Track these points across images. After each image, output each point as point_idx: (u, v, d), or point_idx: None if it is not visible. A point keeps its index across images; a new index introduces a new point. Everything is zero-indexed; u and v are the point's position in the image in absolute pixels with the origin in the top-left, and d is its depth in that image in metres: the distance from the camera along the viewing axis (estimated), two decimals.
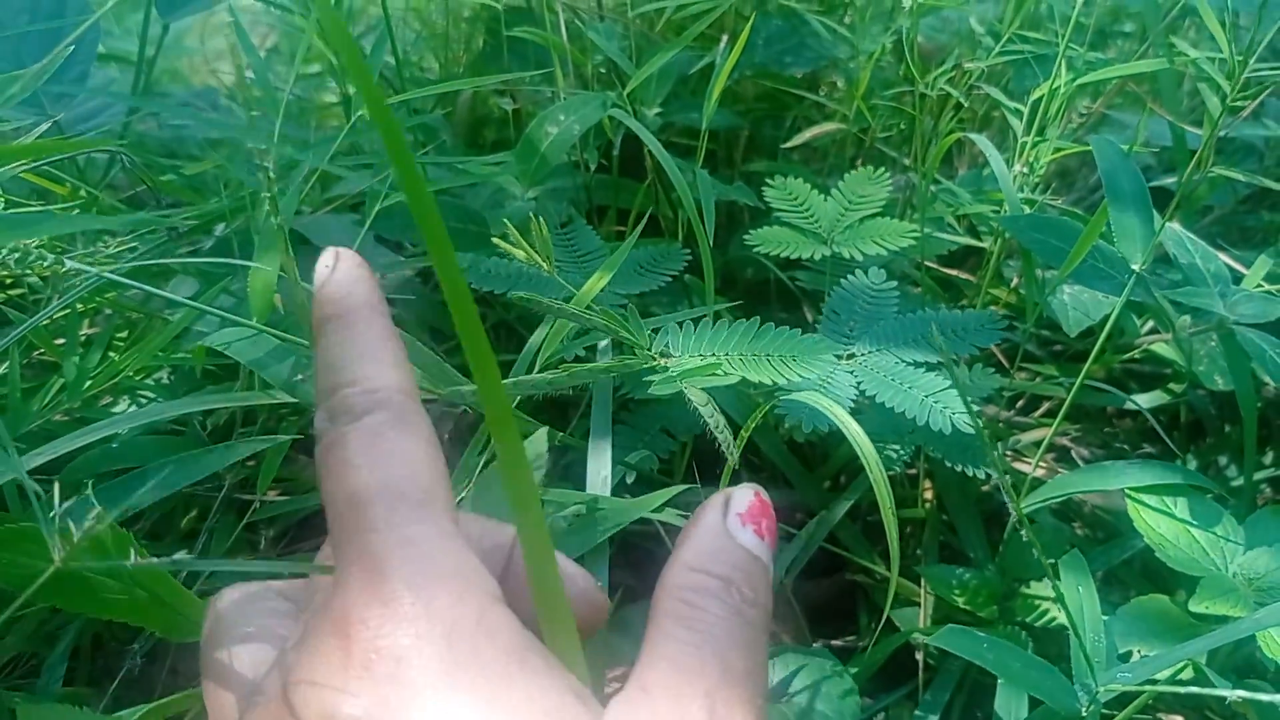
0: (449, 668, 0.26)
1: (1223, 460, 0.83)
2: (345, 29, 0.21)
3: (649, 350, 0.57)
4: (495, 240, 0.55)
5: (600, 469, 0.61)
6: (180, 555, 0.32)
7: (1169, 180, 0.84)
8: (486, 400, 0.27)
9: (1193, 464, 0.82)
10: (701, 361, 0.57)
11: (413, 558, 0.28)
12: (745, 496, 0.34)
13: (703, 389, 0.55)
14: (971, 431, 0.59)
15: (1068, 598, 0.56)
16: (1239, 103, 0.62)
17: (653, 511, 0.59)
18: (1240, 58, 0.59)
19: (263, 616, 0.34)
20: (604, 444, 0.62)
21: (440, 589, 0.28)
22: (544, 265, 0.56)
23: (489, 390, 0.27)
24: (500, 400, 0.27)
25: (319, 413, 0.32)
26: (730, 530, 0.33)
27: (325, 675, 0.27)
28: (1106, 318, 0.62)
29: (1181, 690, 0.46)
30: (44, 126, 0.50)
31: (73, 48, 0.50)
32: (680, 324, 0.61)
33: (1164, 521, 0.61)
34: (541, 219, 0.56)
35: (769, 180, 0.73)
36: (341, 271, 0.34)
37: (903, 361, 0.63)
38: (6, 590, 0.60)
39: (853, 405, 0.60)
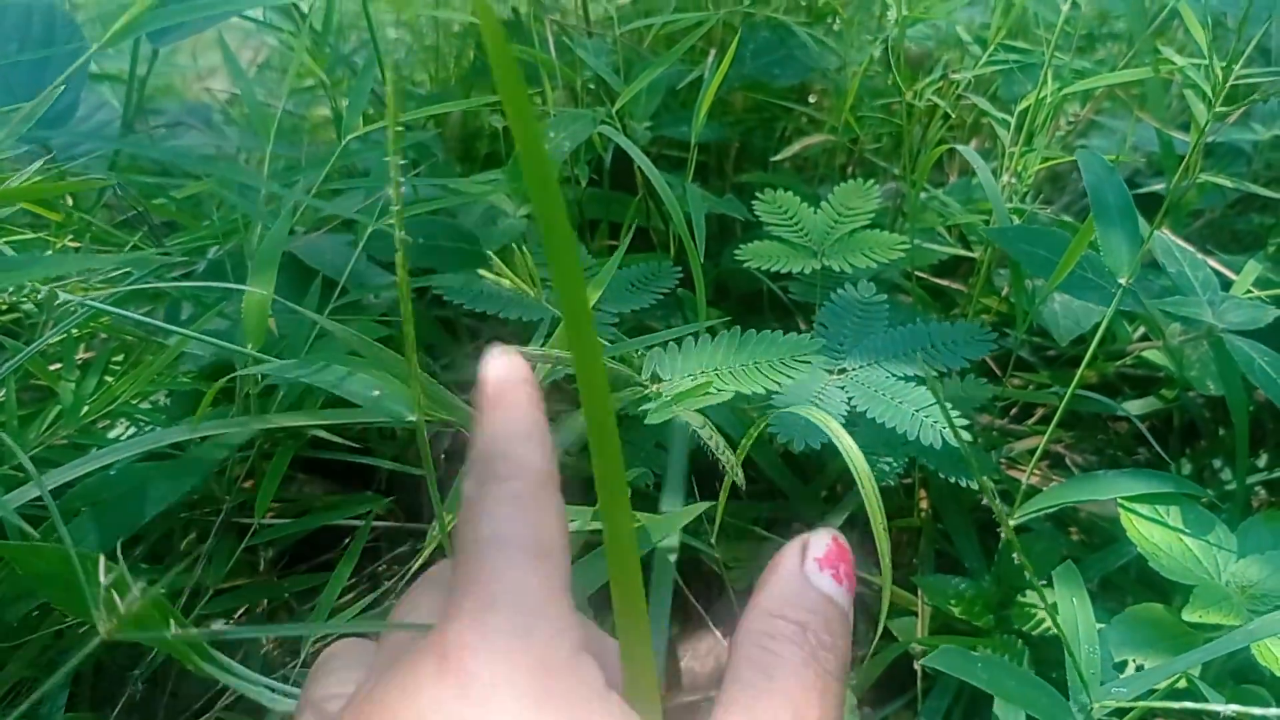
0: (538, 699, 0.28)
1: (1217, 463, 0.83)
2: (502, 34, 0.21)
3: (642, 379, 0.57)
4: (481, 273, 0.55)
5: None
6: (220, 625, 0.34)
7: (1159, 185, 0.85)
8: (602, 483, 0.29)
9: (1187, 468, 0.83)
10: (693, 382, 0.57)
11: (521, 600, 0.31)
12: (822, 541, 0.35)
13: (698, 410, 0.56)
14: (964, 440, 0.60)
15: (1062, 611, 0.56)
16: (1225, 109, 0.63)
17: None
18: (1224, 64, 0.59)
19: (364, 665, 0.36)
20: (678, 493, 0.63)
21: (540, 629, 0.30)
22: (530, 292, 0.57)
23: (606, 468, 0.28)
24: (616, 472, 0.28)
25: (470, 475, 0.36)
26: (808, 575, 0.35)
27: (415, 687, 0.29)
28: (1097, 326, 0.62)
29: (1175, 706, 0.46)
30: (38, 164, 0.50)
31: (61, 82, 0.50)
32: (666, 344, 0.61)
33: (1156, 530, 0.61)
34: (525, 248, 0.57)
35: (759, 194, 0.73)
36: (513, 366, 0.39)
37: (893, 376, 0.63)
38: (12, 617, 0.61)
39: (844, 420, 0.61)
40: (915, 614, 0.71)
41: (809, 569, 0.35)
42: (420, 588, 0.39)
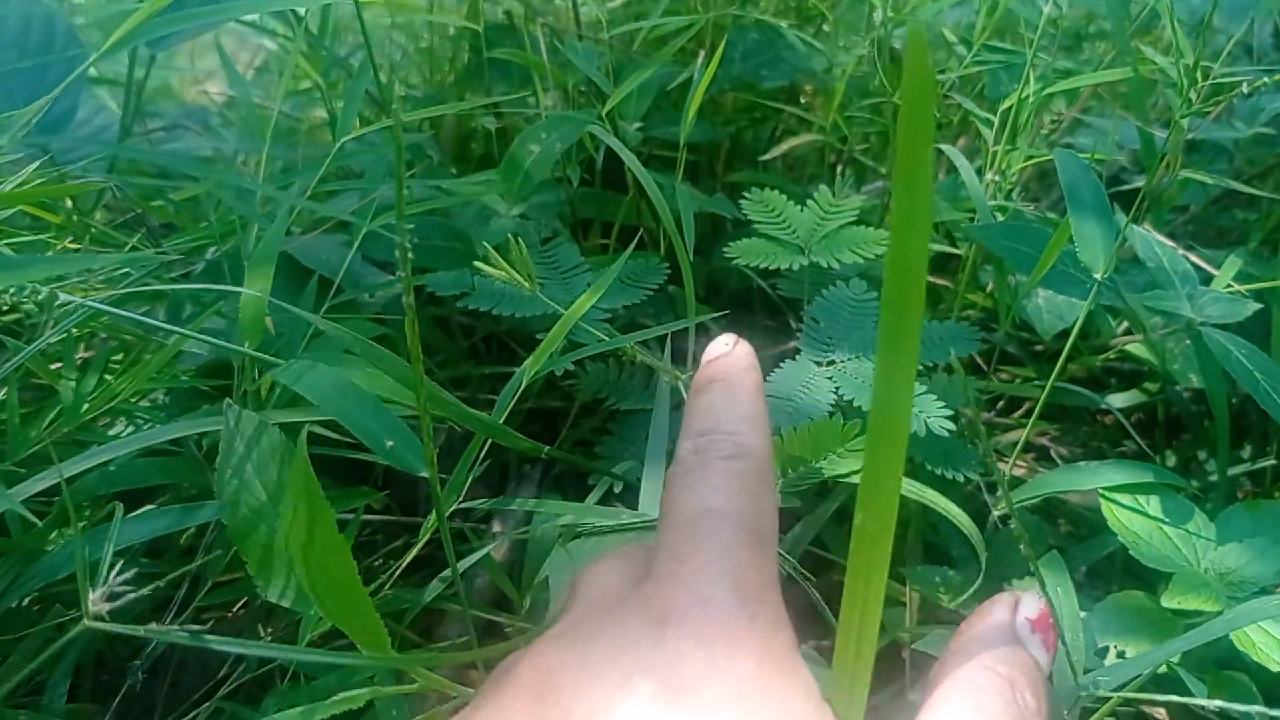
0: (756, 697, 0.28)
1: (1202, 455, 0.85)
2: None
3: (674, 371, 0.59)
4: (477, 265, 0.56)
5: (655, 490, 0.63)
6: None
7: (1142, 182, 0.86)
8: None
9: (1172, 460, 0.84)
10: None
11: (743, 580, 0.31)
12: (1034, 605, 0.36)
13: None
14: (948, 435, 0.61)
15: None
16: (1204, 107, 0.64)
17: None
18: (1194, 61, 0.60)
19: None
20: (658, 469, 0.63)
21: (763, 616, 0.30)
22: (525, 285, 0.58)
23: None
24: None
25: (685, 444, 0.37)
26: (1019, 632, 0.35)
27: (634, 650, 0.29)
28: (1077, 321, 0.63)
29: (1160, 699, 0.47)
30: (34, 165, 0.51)
31: (60, 91, 0.51)
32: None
33: (1137, 519, 0.62)
34: (520, 239, 0.58)
35: (746, 193, 0.75)
36: (739, 351, 0.42)
37: None
38: (13, 609, 0.62)
39: (830, 410, 0.62)
40: (904, 604, 0.72)
41: (1020, 627, 0.35)
42: (612, 558, 0.38)
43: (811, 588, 0.59)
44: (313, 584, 0.42)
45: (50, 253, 0.69)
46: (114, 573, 0.43)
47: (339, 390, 0.52)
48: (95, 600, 0.40)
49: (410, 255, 0.38)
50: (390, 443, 0.49)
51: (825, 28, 0.92)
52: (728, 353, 0.41)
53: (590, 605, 0.35)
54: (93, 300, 0.50)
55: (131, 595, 0.43)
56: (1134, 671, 0.52)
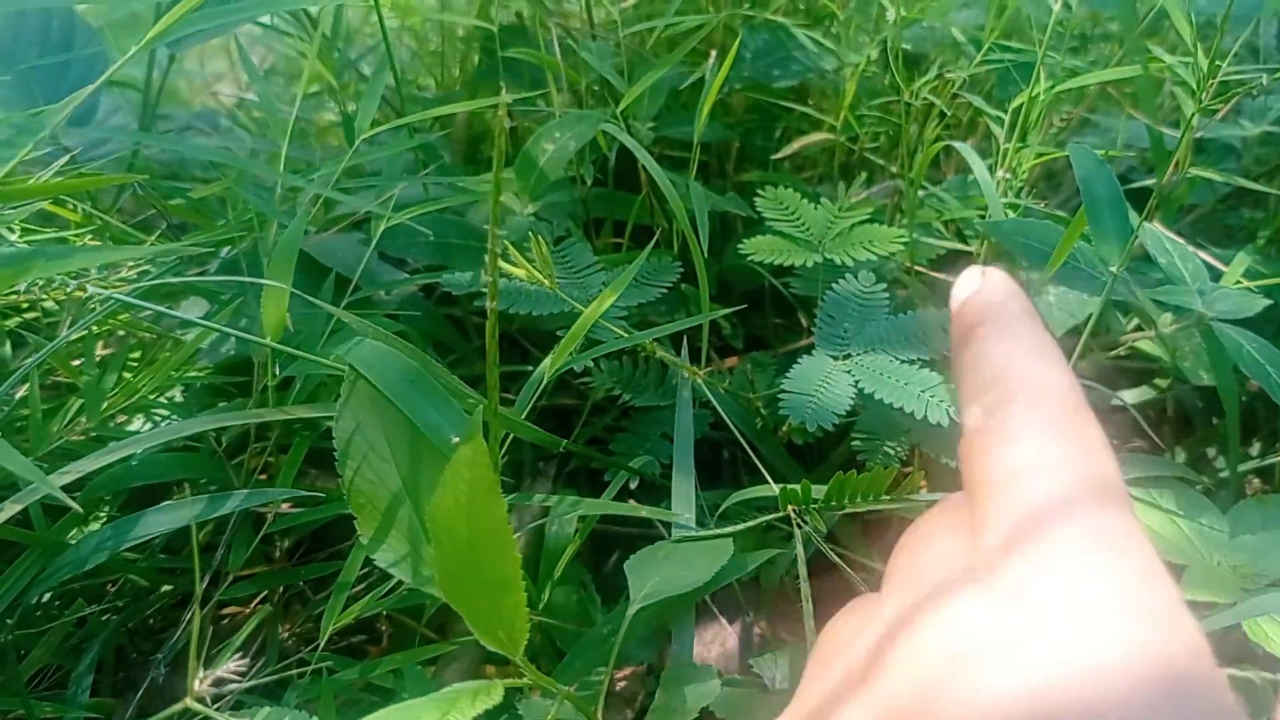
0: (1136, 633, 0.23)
1: (1210, 452, 0.85)
2: None
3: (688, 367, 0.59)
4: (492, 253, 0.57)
5: (686, 489, 0.63)
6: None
7: (1150, 181, 0.87)
8: None
9: (1181, 457, 0.84)
10: None
11: (1096, 524, 0.26)
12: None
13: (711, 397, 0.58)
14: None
15: None
16: (1213, 106, 0.64)
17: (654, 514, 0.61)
18: (1211, 62, 0.61)
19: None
20: (687, 466, 0.64)
21: (1123, 555, 0.25)
22: (545, 282, 0.58)
23: None
24: None
25: (971, 409, 0.32)
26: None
27: (979, 622, 0.25)
28: (1090, 315, 0.64)
29: None
30: (60, 162, 0.52)
31: (78, 84, 0.52)
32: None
33: (1151, 513, 0.63)
34: (541, 236, 0.58)
35: (760, 190, 0.75)
36: (995, 280, 0.35)
37: (897, 359, 0.65)
38: (35, 604, 0.63)
39: (851, 403, 0.62)
40: None
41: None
42: (930, 527, 0.34)
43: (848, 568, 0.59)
44: (456, 570, 0.42)
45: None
46: (231, 657, 0.43)
47: (407, 379, 0.51)
48: (201, 682, 0.41)
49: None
50: (456, 439, 0.49)
51: (835, 28, 0.93)
52: (979, 288, 0.35)
53: (918, 580, 0.30)
54: (120, 294, 0.51)
55: (239, 686, 0.44)
56: None
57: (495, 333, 0.52)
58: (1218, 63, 0.61)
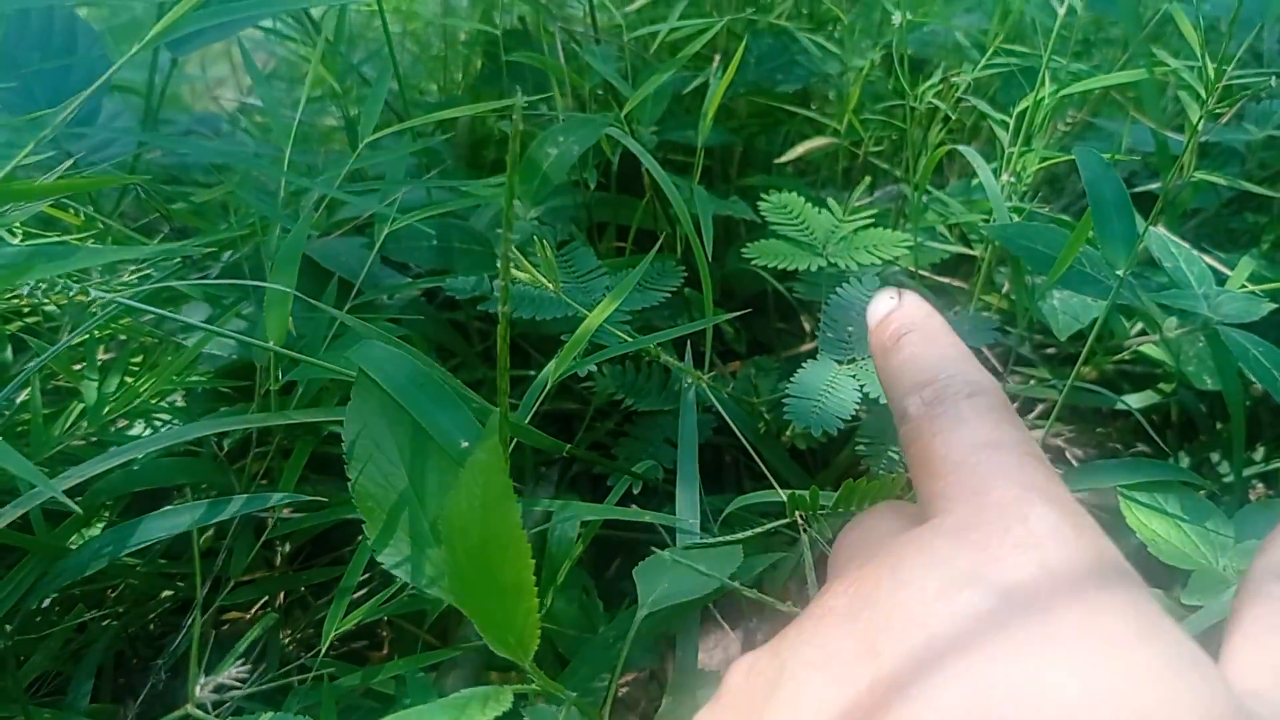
0: (1092, 573, 0.27)
1: (1215, 457, 0.85)
2: None
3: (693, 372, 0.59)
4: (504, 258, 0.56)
5: (691, 493, 0.63)
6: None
7: (1155, 185, 0.86)
8: None
9: (1185, 461, 0.84)
10: None
11: (1049, 490, 0.30)
12: None
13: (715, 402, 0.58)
14: None
15: None
16: (1218, 109, 0.64)
17: (656, 518, 0.61)
18: (1216, 65, 0.61)
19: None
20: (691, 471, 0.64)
21: (1077, 514, 0.29)
22: (549, 286, 0.58)
23: None
24: None
25: (910, 400, 0.36)
26: None
27: (949, 566, 0.28)
28: (1095, 320, 0.64)
29: None
30: (64, 166, 0.52)
31: (79, 87, 0.51)
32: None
33: (1156, 518, 0.62)
34: (545, 240, 0.58)
35: (764, 195, 0.75)
36: (911, 300, 0.41)
37: None
38: (35, 609, 0.62)
39: (857, 407, 0.62)
40: None
41: None
42: (874, 512, 0.38)
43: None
44: (468, 574, 0.42)
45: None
46: (234, 664, 0.43)
47: (416, 382, 0.51)
48: (203, 688, 0.41)
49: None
50: (465, 443, 0.49)
51: (839, 32, 0.93)
52: (898, 306, 0.41)
53: (878, 542, 0.34)
54: (121, 297, 0.50)
55: (241, 692, 0.43)
56: None
57: (507, 336, 0.52)
58: (1223, 67, 0.61)
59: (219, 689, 0.40)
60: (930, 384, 0.36)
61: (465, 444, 0.49)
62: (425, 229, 0.76)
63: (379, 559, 0.50)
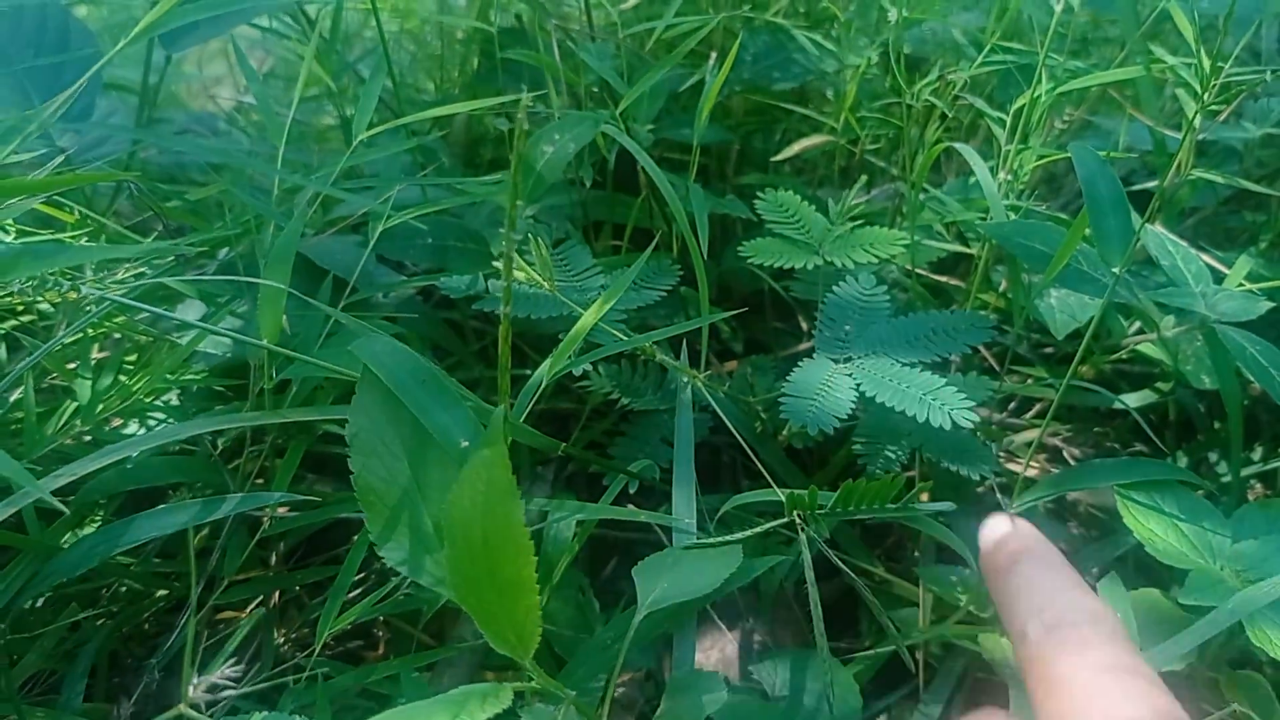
0: None
1: (1213, 457, 0.85)
2: None
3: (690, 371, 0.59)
4: (495, 264, 0.56)
5: (687, 493, 0.63)
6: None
7: (1153, 183, 0.86)
8: None
9: (1183, 461, 0.84)
10: None
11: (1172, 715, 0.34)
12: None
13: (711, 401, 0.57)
14: (966, 431, 0.61)
15: None
16: (1215, 107, 0.64)
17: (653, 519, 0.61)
18: (1214, 64, 0.60)
19: None
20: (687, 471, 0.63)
21: None
22: (545, 285, 0.58)
23: None
24: None
25: (1031, 623, 0.39)
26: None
27: None
28: (1092, 318, 0.64)
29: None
30: (56, 161, 0.51)
31: (79, 87, 0.51)
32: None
33: (1153, 517, 0.62)
34: (540, 238, 0.58)
35: (760, 193, 0.75)
36: (1025, 526, 0.44)
37: (899, 362, 0.64)
38: (29, 608, 0.62)
39: (853, 406, 0.62)
40: (917, 605, 0.72)
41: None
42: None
43: (853, 575, 0.59)
44: (469, 571, 0.42)
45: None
46: (226, 663, 0.43)
47: (416, 378, 0.51)
48: (195, 688, 0.41)
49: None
50: (466, 443, 0.49)
51: (835, 30, 0.93)
52: (1014, 530, 0.44)
53: None
54: (115, 295, 0.50)
55: (235, 692, 0.43)
56: (1155, 666, 0.52)
57: (508, 336, 0.52)
58: (1219, 64, 0.61)
59: (211, 689, 0.40)
60: (1050, 608, 0.38)
61: (465, 443, 0.49)
62: (421, 227, 0.76)
63: (380, 553, 0.50)
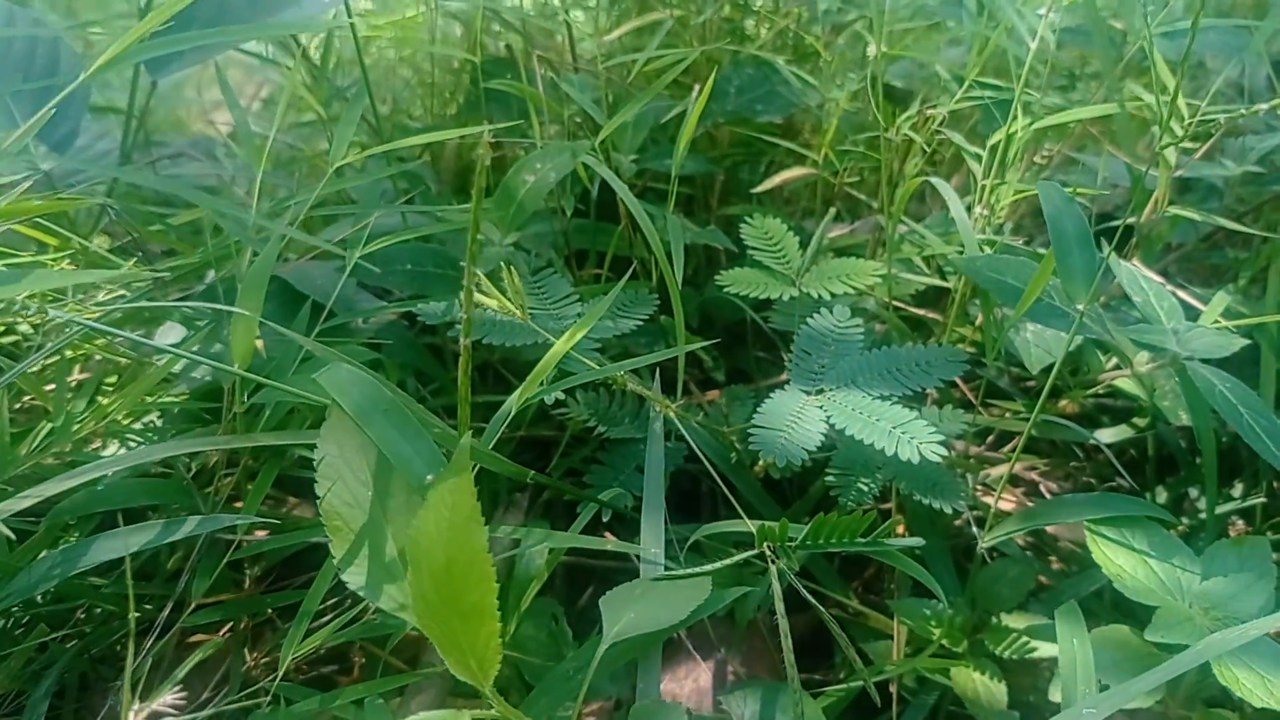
0: None
1: (1193, 493, 0.84)
2: None
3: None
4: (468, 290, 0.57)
5: (656, 523, 0.63)
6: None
7: (1134, 219, 0.86)
8: None
9: (1163, 497, 0.84)
10: None
11: None
12: None
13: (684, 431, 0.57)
14: (939, 464, 0.61)
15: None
16: (1188, 140, 0.64)
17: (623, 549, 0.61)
18: (1189, 101, 0.61)
19: None
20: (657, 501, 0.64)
21: None
22: (517, 313, 0.58)
23: None
24: None
25: None
26: None
27: None
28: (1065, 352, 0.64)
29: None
30: (22, 187, 0.52)
31: (57, 108, 0.52)
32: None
33: (1122, 553, 0.62)
34: (514, 267, 0.58)
35: (745, 220, 0.75)
36: None
37: (871, 395, 0.64)
38: None
39: (823, 439, 0.62)
40: (891, 638, 0.72)
41: None
42: None
43: (821, 607, 0.59)
44: (431, 596, 0.42)
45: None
46: (171, 690, 0.43)
47: (379, 407, 0.52)
48: (136, 715, 0.41)
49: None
50: (430, 477, 0.49)
51: (820, 64, 0.94)
52: None
53: None
54: (86, 319, 0.51)
55: (180, 719, 0.44)
56: (1116, 703, 0.51)
57: (468, 369, 0.52)
58: (1195, 102, 0.61)
59: (152, 716, 0.40)
60: None
61: (430, 477, 0.50)
62: (402, 255, 0.76)
63: (343, 578, 0.51)
